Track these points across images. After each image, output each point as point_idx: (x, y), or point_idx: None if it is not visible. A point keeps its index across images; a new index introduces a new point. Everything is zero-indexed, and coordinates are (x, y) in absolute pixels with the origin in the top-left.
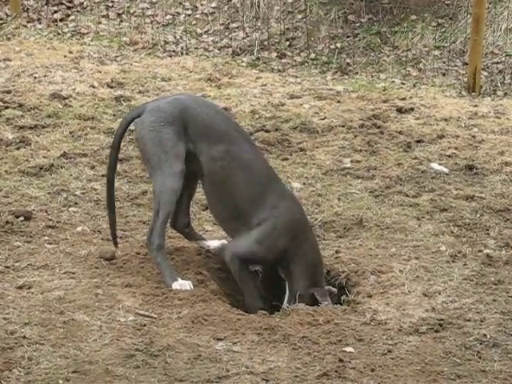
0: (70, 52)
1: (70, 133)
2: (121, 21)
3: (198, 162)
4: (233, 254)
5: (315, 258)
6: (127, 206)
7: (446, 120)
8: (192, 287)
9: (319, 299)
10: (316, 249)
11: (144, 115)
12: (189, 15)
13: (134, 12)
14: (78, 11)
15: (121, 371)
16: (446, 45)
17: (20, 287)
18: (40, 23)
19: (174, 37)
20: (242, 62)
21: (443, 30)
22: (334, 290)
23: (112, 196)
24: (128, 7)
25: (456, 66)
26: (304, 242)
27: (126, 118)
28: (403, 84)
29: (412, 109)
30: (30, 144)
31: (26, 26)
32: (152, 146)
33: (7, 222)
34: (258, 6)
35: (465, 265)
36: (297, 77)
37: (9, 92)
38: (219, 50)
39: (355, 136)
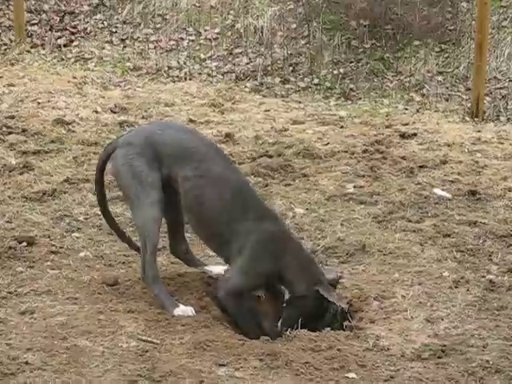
0: (74, 77)
1: (73, 158)
2: (124, 46)
3: (176, 185)
4: (225, 292)
5: (304, 259)
6: (130, 232)
7: (449, 145)
8: (194, 313)
9: (325, 295)
10: (301, 250)
11: (117, 150)
12: (192, 41)
13: (138, 38)
14: (81, 37)
15: None
16: (449, 70)
17: (23, 313)
18: (44, 49)
19: (178, 62)
20: (246, 87)
21: (446, 55)
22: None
23: (114, 225)
24: (132, 33)
25: (459, 91)
26: (287, 250)
27: (102, 152)
28: (406, 109)
29: (415, 134)
30: (33, 169)
31: (29, 52)
32: (126, 180)
33: (10, 248)
34: (262, 32)
35: (467, 290)
36: (300, 102)
37: (12, 117)
38: (222, 75)
39: (358, 161)
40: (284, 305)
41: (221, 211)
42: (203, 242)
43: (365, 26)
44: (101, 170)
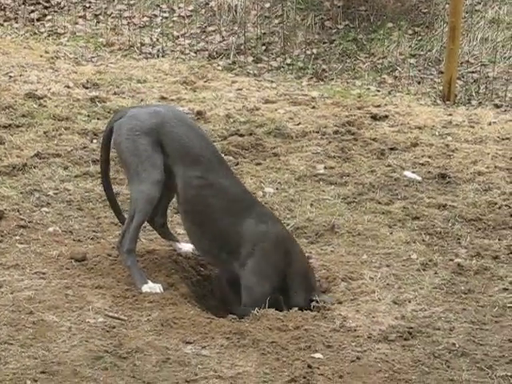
0: (46, 52)
1: (44, 133)
2: (98, 22)
3: (175, 180)
4: (249, 304)
5: (306, 267)
6: (99, 208)
7: (420, 128)
8: (162, 290)
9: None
10: (304, 258)
11: (123, 120)
12: (166, 18)
13: (111, 13)
14: (55, 11)
15: (89, 373)
16: (421, 53)
17: None
18: (17, 22)
19: (151, 39)
20: (218, 65)
21: (419, 38)
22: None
23: (113, 197)
24: (105, 8)
25: (431, 74)
26: (293, 256)
27: (110, 120)
28: (378, 91)
29: (386, 116)
30: (4, 143)
31: (2, 25)
32: (129, 155)
33: None
34: (235, 11)
35: (435, 273)
36: (272, 82)
37: None
38: (195, 53)
39: (329, 142)
40: None
41: (224, 221)
42: (202, 255)
43: (338, 6)
44: (108, 136)
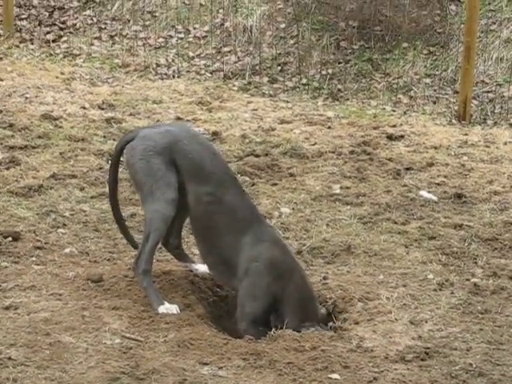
0: (62, 73)
1: (60, 154)
2: (113, 43)
3: (187, 198)
4: (245, 324)
5: (303, 295)
6: (116, 229)
7: (435, 148)
8: (179, 311)
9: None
10: (304, 286)
11: (135, 141)
12: (181, 38)
13: (127, 34)
14: (70, 32)
15: None
16: (437, 73)
17: (6, 308)
18: (32, 44)
19: (166, 60)
20: (234, 86)
21: (434, 58)
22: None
23: (120, 217)
24: (120, 29)
25: (447, 94)
26: (289, 281)
27: (120, 141)
28: (394, 111)
29: (402, 136)
30: (20, 164)
31: (18, 47)
32: (143, 176)
33: None
34: (251, 31)
35: (452, 293)
36: (288, 102)
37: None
38: (211, 73)
39: (345, 162)
40: None
41: (228, 237)
42: (208, 269)
43: (354, 27)
44: (117, 157)
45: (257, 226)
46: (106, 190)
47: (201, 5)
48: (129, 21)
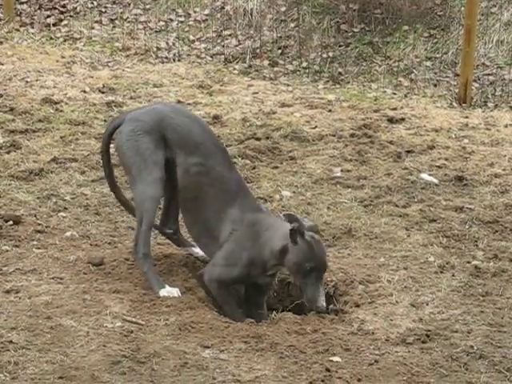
0: (63, 57)
1: (61, 137)
2: (114, 26)
3: (176, 169)
4: (209, 278)
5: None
6: (116, 212)
7: (436, 131)
8: (179, 294)
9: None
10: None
11: (123, 125)
12: (182, 22)
13: (127, 18)
14: (70, 16)
15: (107, 377)
16: (437, 56)
17: (7, 291)
18: (33, 27)
19: (167, 43)
20: (234, 69)
21: (435, 40)
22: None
23: (122, 197)
24: (121, 13)
25: (447, 77)
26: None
27: (108, 127)
28: (394, 94)
29: (403, 119)
30: (21, 148)
31: (18, 30)
32: (130, 155)
33: None
34: (251, 14)
35: (453, 276)
36: (288, 85)
37: (0, 96)
38: (211, 57)
39: (346, 145)
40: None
41: (214, 208)
42: (193, 240)
43: (354, 9)
44: (107, 143)
45: (243, 198)
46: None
47: None
48: (129, 4)
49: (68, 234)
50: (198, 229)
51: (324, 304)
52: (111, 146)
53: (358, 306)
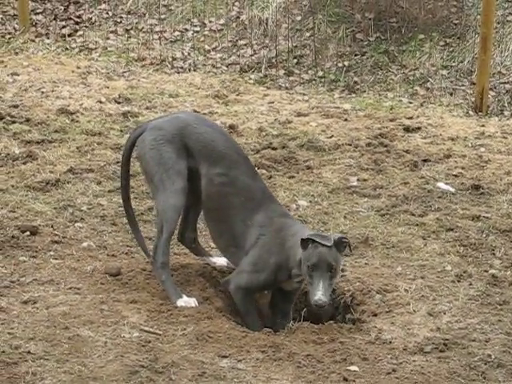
0: (78, 67)
1: (77, 148)
2: (129, 37)
3: (199, 179)
4: (236, 286)
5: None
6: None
7: (452, 139)
8: (197, 304)
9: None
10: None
11: (145, 133)
12: (197, 32)
13: (143, 28)
14: (86, 26)
15: None
16: (453, 64)
17: (25, 302)
18: (48, 38)
19: (182, 53)
20: (250, 79)
21: (451, 49)
22: None
23: (131, 214)
24: (136, 23)
25: (463, 85)
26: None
27: (130, 136)
28: (410, 103)
29: (419, 128)
30: (37, 159)
31: (34, 41)
32: (153, 165)
33: (13, 237)
34: (266, 24)
35: (470, 285)
36: (304, 94)
37: (16, 106)
38: (227, 66)
39: (362, 154)
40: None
41: (240, 217)
42: (220, 251)
43: (370, 18)
44: (128, 154)
45: (268, 204)
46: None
47: None
48: (144, 14)
49: (85, 244)
50: (224, 239)
51: (323, 298)
52: (132, 155)
53: (375, 315)
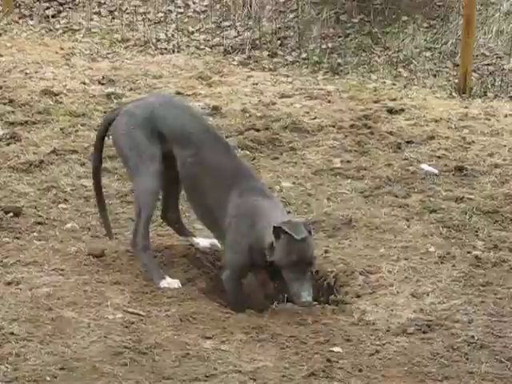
0: (62, 48)
1: (61, 129)
2: (113, 18)
3: (175, 161)
4: (223, 267)
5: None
6: (117, 204)
7: (436, 121)
8: (180, 285)
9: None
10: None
11: (117, 119)
12: (181, 13)
13: (126, 9)
14: (69, 8)
15: (108, 369)
16: (437, 46)
17: (8, 283)
18: (32, 19)
19: (166, 35)
20: (234, 60)
21: (434, 31)
22: None
23: (100, 194)
24: (120, 4)
25: (447, 67)
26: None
27: (103, 120)
28: (394, 85)
29: (402, 110)
30: (20, 140)
31: (17, 22)
32: (127, 150)
33: None
34: (250, 5)
35: (453, 266)
36: (288, 76)
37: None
38: (211, 48)
39: (345, 136)
40: None
41: (214, 196)
42: (206, 227)
43: (353, 0)
44: (101, 136)
45: (241, 182)
46: (107, 165)
47: None
48: None
49: (68, 225)
50: (205, 218)
51: (309, 299)
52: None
53: (358, 296)
